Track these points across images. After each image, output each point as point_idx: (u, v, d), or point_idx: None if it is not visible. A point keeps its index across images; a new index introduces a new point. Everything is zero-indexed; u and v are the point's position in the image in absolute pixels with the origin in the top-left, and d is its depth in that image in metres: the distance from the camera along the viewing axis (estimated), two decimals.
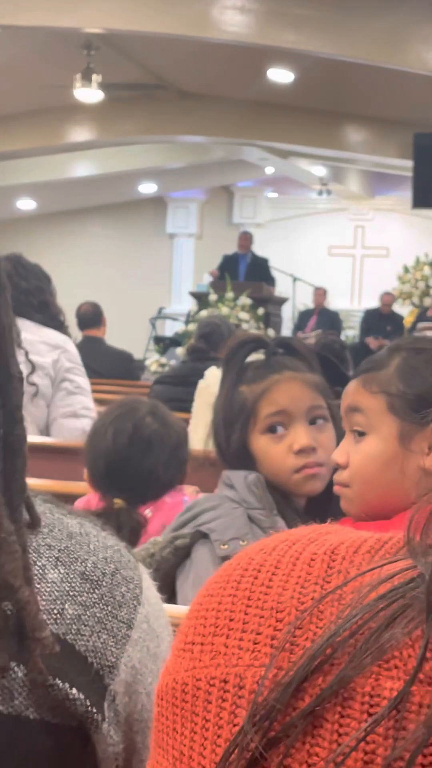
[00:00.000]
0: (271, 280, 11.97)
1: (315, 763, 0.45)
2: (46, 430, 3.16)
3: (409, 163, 11.24)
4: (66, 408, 3.15)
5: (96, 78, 9.76)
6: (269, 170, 14.72)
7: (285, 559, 0.52)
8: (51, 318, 3.20)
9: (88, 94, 9.99)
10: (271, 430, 1.64)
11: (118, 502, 1.92)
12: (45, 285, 3.22)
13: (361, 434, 1.41)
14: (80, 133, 11.89)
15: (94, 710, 0.67)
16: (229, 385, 1.67)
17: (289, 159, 13.23)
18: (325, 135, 11.48)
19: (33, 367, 3.05)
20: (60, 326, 3.22)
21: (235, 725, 0.48)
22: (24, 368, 3.03)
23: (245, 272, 11.95)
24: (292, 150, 12.46)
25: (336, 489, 1.45)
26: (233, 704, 0.48)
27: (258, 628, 0.50)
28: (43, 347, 3.09)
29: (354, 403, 1.43)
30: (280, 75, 9.96)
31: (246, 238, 12.43)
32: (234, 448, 1.65)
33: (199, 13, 8.24)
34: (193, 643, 0.52)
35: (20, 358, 2.98)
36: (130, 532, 1.86)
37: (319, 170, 13.98)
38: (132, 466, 1.97)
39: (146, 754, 0.71)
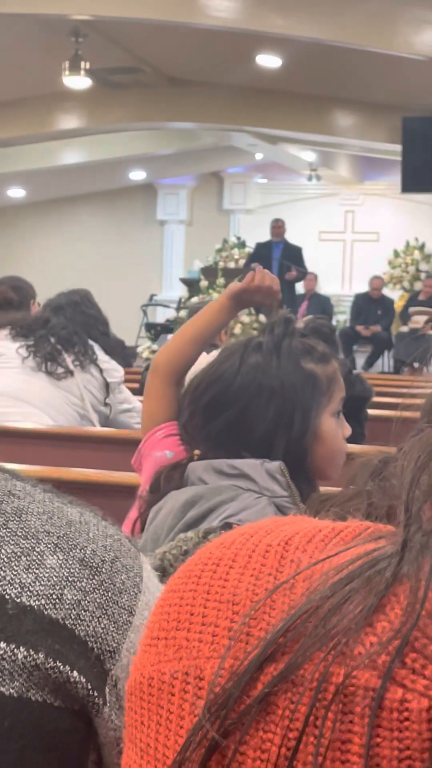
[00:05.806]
0: (304, 269, 11.94)
1: (268, 748, 0.46)
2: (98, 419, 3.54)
3: (398, 148, 11.23)
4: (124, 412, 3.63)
5: (84, 65, 9.73)
6: (259, 156, 14.69)
7: (242, 552, 0.53)
8: (111, 348, 3.60)
9: (77, 81, 9.96)
10: (340, 413, 1.63)
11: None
12: (106, 321, 3.65)
13: None
14: (69, 121, 11.86)
15: (95, 694, 0.67)
16: (295, 364, 1.59)
17: (278, 144, 13.20)
18: (314, 120, 11.45)
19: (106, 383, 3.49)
20: (124, 358, 3.74)
21: (195, 716, 0.49)
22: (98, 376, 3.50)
23: (279, 261, 11.84)
24: (281, 135, 12.44)
25: None
26: (194, 695, 0.50)
27: (216, 620, 0.51)
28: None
29: None
30: (269, 60, 9.94)
31: (279, 226, 12.21)
32: (312, 428, 1.59)
33: None
34: (158, 638, 0.53)
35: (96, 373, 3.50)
36: None
37: (309, 155, 13.95)
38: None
39: None
